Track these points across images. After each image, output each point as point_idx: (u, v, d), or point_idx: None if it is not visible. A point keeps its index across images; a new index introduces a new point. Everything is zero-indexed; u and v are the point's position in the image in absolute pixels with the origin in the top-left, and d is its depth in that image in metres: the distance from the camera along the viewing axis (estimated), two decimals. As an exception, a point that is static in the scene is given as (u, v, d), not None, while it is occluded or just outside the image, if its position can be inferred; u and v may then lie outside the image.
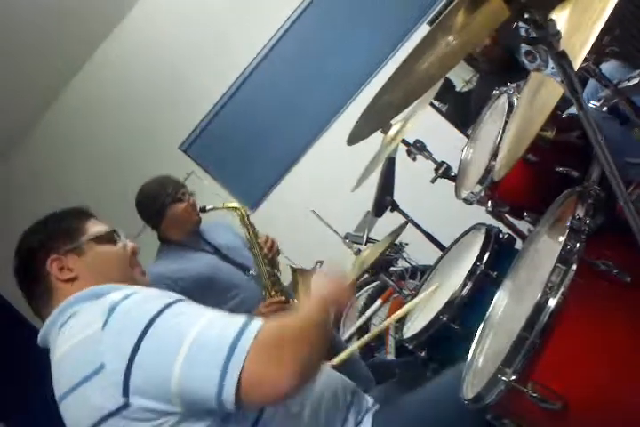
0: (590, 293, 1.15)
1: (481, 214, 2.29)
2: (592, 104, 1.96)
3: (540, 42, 0.96)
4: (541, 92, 1.35)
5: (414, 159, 2.38)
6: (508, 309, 1.44)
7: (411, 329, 1.89)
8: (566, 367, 1.12)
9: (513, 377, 1.12)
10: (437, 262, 2.13)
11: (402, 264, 3.06)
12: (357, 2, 4.42)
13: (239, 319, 1.25)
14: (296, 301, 2.34)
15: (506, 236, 1.87)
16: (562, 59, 0.96)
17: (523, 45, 0.98)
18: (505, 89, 2.03)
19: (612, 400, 1.09)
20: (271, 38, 4.48)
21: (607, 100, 2.16)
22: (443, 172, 2.32)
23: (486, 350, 1.41)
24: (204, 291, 2.47)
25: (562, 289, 1.13)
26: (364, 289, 2.86)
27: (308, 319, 1.32)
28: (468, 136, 4.44)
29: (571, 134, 1.86)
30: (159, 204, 2.61)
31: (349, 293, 1.52)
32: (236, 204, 2.71)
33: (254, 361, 1.18)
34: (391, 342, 2.93)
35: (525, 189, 1.88)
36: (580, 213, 1.23)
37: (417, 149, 2.35)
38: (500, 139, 1.81)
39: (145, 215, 2.69)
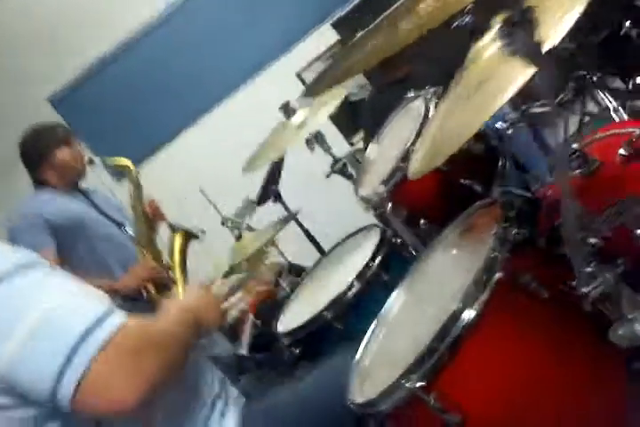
0: (507, 306, 1.10)
1: (366, 218, 2.26)
2: (498, 124, 1.98)
3: (520, 26, 0.91)
4: (489, 86, 1.30)
5: (312, 150, 2.28)
6: (406, 312, 1.38)
7: (285, 324, 1.79)
8: (473, 380, 1.07)
9: (418, 384, 1.05)
10: (321, 259, 2.05)
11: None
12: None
13: (100, 306, 1.08)
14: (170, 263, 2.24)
15: (399, 241, 1.82)
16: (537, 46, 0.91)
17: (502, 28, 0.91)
18: (421, 93, 1.99)
19: (515, 418, 1.05)
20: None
21: (513, 122, 2.20)
22: (339, 168, 2.24)
23: (376, 352, 1.34)
24: (75, 234, 2.48)
25: (481, 300, 1.07)
26: (229, 278, 2.72)
27: (176, 335, 1.19)
28: (350, 144, 4.46)
29: (476, 147, 1.85)
30: (45, 144, 2.55)
31: (220, 316, 1.42)
32: (126, 161, 2.57)
33: (105, 361, 1.01)
34: (247, 336, 2.80)
35: (427, 196, 1.84)
36: (506, 223, 1.18)
37: (317, 140, 2.26)
38: (413, 142, 1.75)
39: (27, 155, 2.60)
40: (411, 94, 2.07)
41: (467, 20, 1.64)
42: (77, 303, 1.08)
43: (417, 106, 1.98)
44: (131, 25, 4.20)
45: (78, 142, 2.66)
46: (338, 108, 3.34)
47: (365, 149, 3.52)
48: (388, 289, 1.63)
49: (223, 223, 2.50)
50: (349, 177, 2.21)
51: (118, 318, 1.06)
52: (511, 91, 1.19)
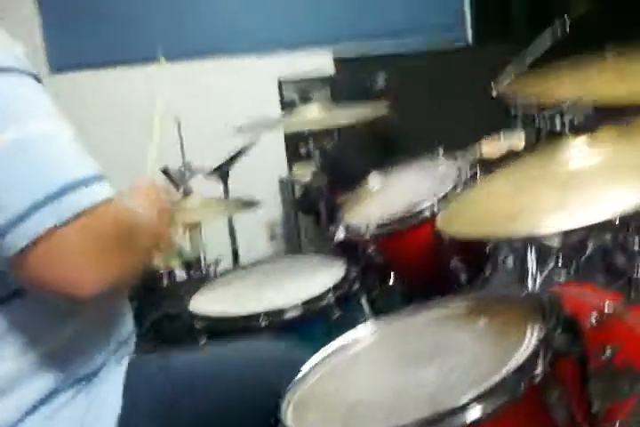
0: (521, 417, 0.97)
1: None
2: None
3: None
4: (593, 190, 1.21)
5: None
6: (369, 357, 1.21)
7: (204, 307, 1.57)
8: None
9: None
10: (256, 263, 1.85)
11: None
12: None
13: (94, 166, 0.88)
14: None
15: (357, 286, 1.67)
16: None
17: None
18: (452, 158, 1.91)
19: None
20: None
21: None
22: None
23: (322, 382, 1.15)
24: None
25: (499, 400, 0.92)
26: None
27: (151, 237, 1.02)
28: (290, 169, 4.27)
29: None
30: None
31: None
32: None
33: (75, 231, 0.81)
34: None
35: (411, 260, 1.73)
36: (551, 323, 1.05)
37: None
38: (440, 200, 1.65)
39: None
40: (439, 154, 1.98)
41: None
42: (72, 146, 0.87)
43: (445, 169, 1.88)
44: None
45: None
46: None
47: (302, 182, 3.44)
48: (329, 328, 1.49)
49: (164, 172, 2.23)
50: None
51: (108, 189, 0.87)
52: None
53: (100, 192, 0.84)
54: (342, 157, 3.23)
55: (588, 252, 2.61)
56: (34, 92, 0.87)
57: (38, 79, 0.90)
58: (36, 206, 0.79)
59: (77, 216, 0.80)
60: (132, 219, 0.93)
